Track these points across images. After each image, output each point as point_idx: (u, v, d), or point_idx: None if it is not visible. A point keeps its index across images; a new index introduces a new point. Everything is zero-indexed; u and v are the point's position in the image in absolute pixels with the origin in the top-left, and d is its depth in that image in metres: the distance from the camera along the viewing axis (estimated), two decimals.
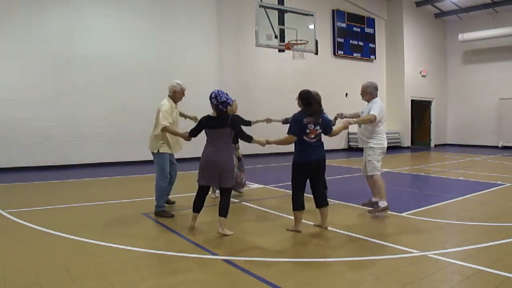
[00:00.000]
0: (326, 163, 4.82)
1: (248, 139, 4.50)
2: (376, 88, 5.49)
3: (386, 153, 5.46)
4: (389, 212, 5.20)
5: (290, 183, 4.59)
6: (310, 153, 4.47)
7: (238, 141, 6.14)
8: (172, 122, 5.20)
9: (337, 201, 6.05)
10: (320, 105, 4.96)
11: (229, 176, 4.46)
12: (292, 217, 4.61)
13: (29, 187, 7.73)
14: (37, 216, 5.24)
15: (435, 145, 18.26)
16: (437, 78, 18.37)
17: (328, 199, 4.73)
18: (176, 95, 5.39)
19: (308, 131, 4.44)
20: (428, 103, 18.26)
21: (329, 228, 4.63)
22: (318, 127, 4.49)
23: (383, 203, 5.21)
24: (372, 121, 5.18)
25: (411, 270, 3.37)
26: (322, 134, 4.61)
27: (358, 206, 5.78)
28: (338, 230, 4.57)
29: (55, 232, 4.44)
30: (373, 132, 5.33)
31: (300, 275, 3.30)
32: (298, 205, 4.51)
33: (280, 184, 7.52)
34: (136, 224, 4.90)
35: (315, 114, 4.50)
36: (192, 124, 4.87)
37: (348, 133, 15.72)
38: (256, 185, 7.66)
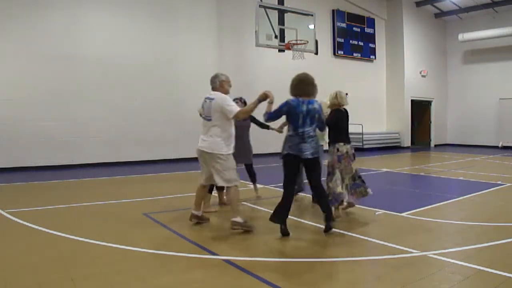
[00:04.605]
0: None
1: None
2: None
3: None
4: (388, 212, 5.17)
5: None
6: None
7: None
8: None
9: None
10: None
11: None
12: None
13: (29, 187, 7.73)
14: (37, 216, 5.24)
15: (435, 145, 18.25)
16: (437, 78, 18.36)
17: None
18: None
19: None
20: (428, 103, 18.25)
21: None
22: None
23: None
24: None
25: (411, 270, 3.37)
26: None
27: (358, 206, 5.76)
28: (338, 230, 4.57)
29: (55, 232, 4.44)
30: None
31: (300, 275, 3.30)
32: None
33: (280, 184, 7.49)
34: (136, 224, 4.89)
35: None
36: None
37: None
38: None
